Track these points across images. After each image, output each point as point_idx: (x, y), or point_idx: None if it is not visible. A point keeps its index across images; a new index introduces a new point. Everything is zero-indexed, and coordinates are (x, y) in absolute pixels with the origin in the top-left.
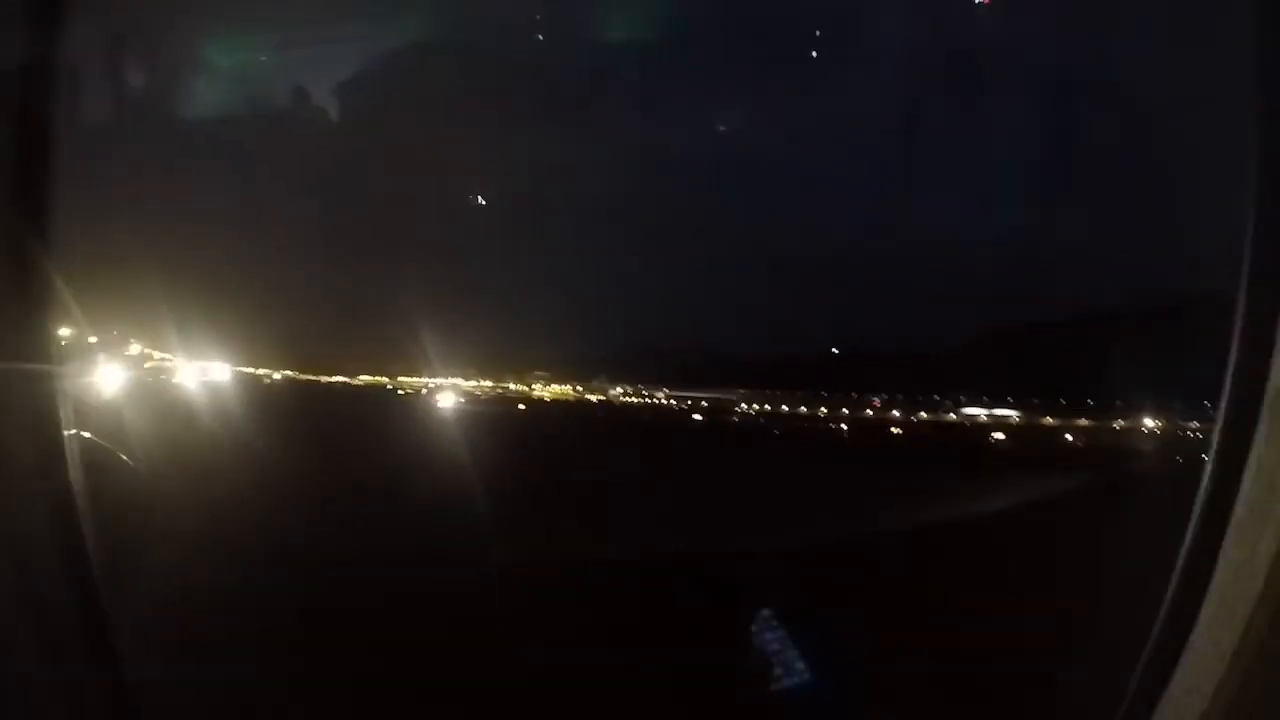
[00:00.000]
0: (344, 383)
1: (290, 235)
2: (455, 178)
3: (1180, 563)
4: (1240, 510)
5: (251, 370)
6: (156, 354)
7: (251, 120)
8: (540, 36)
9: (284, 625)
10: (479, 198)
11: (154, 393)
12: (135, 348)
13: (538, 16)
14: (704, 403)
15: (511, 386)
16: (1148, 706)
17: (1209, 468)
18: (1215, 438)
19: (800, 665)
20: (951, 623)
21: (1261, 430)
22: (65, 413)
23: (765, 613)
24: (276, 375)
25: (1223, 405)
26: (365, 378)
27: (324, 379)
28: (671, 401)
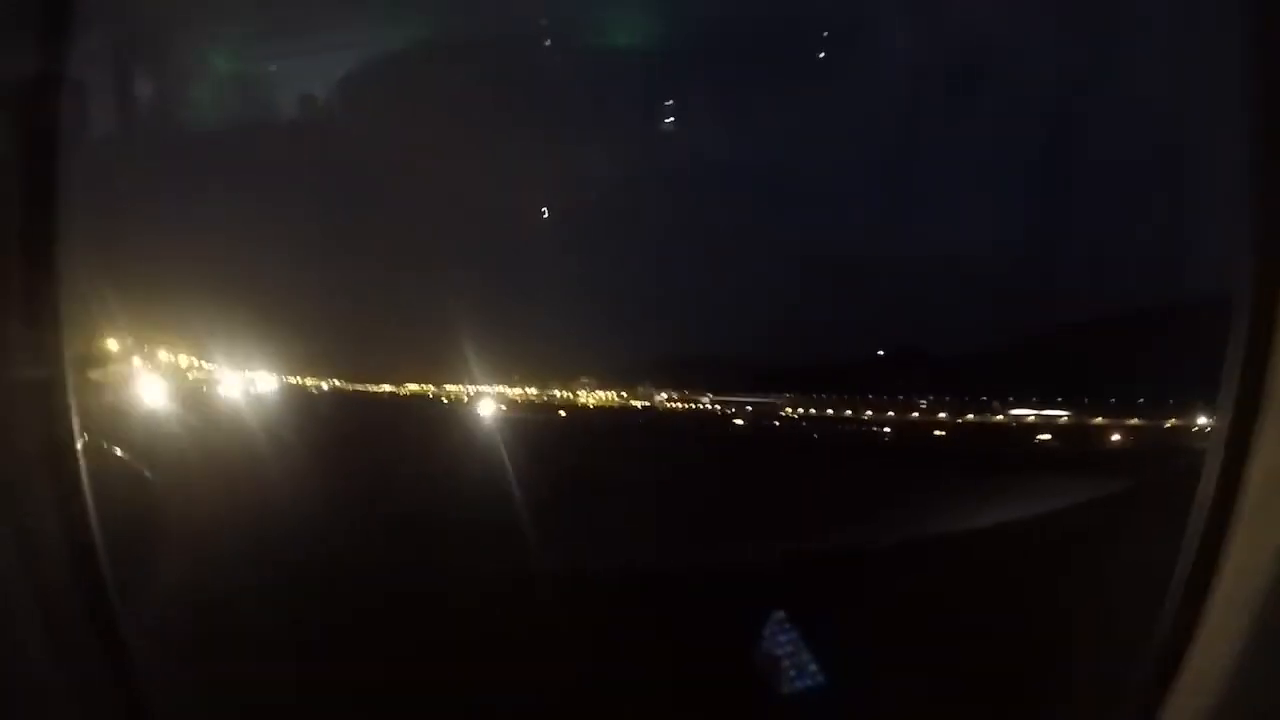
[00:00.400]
0: (389, 391)
1: (333, 244)
2: (496, 187)
3: (1185, 559)
4: (1244, 506)
5: (296, 380)
6: (200, 363)
7: (288, 127)
8: (548, 42)
9: (299, 632)
10: (543, 210)
11: (191, 402)
12: (181, 358)
13: (544, 21)
14: (749, 407)
15: (556, 393)
16: (1154, 703)
17: (1213, 464)
18: (1219, 433)
19: (813, 667)
20: (973, 624)
21: (1265, 426)
22: (78, 420)
23: (778, 614)
24: (324, 385)
25: (1227, 401)
26: (411, 386)
27: (370, 388)
28: (716, 407)
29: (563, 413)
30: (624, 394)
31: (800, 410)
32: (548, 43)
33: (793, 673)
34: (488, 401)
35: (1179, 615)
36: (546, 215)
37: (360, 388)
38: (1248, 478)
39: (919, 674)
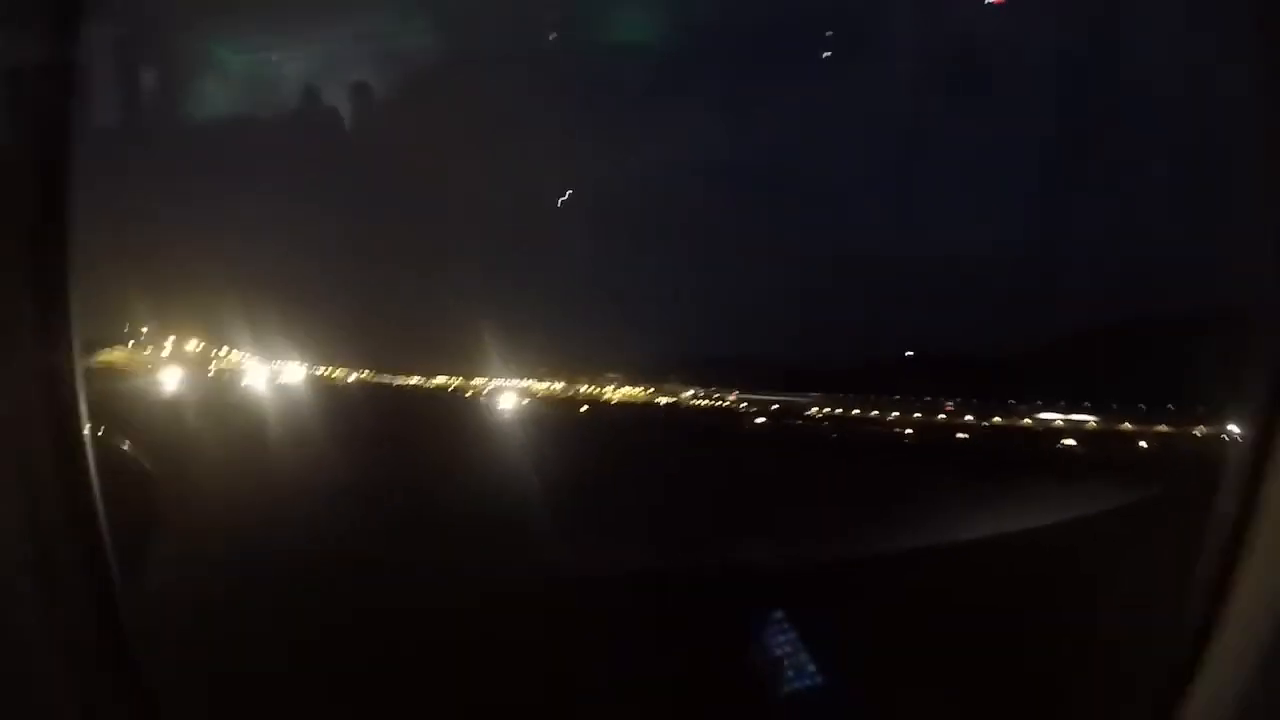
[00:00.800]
0: (405, 384)
1: (366, 239)
2: (520, 182)
3: (1202, 573)
4: (1262, 520)
5: (325, 372)
6: (229, 354)
7: (304, 121)
8: (553, 36)
9: (305, 630)
10: (558, 200)
11: (199, 394)
12: (189, 348)
13: (547, 16)
14: (774, 406)
15: (582, 389)
16: (1168, 715)
17: (1235, 475)
18: (1239, 448)
19: (812, 667)
20: (984, 630)
21: None
22: (87, 410)
23: (776, 614)
24: (350, 378)
25: (1247, 415)
26: (435, 380)
27: (396, 381)
28: (742, 405)
29: (585, 407)
30: (650, 390)
31: (826, 410)
32: (552, 36)
33: (791, 673)
34: (508, 396)
35: (1196, 628)
36: (567, 202)
37: (378, 380)
38: (1268, 491)
39: (924, 680)
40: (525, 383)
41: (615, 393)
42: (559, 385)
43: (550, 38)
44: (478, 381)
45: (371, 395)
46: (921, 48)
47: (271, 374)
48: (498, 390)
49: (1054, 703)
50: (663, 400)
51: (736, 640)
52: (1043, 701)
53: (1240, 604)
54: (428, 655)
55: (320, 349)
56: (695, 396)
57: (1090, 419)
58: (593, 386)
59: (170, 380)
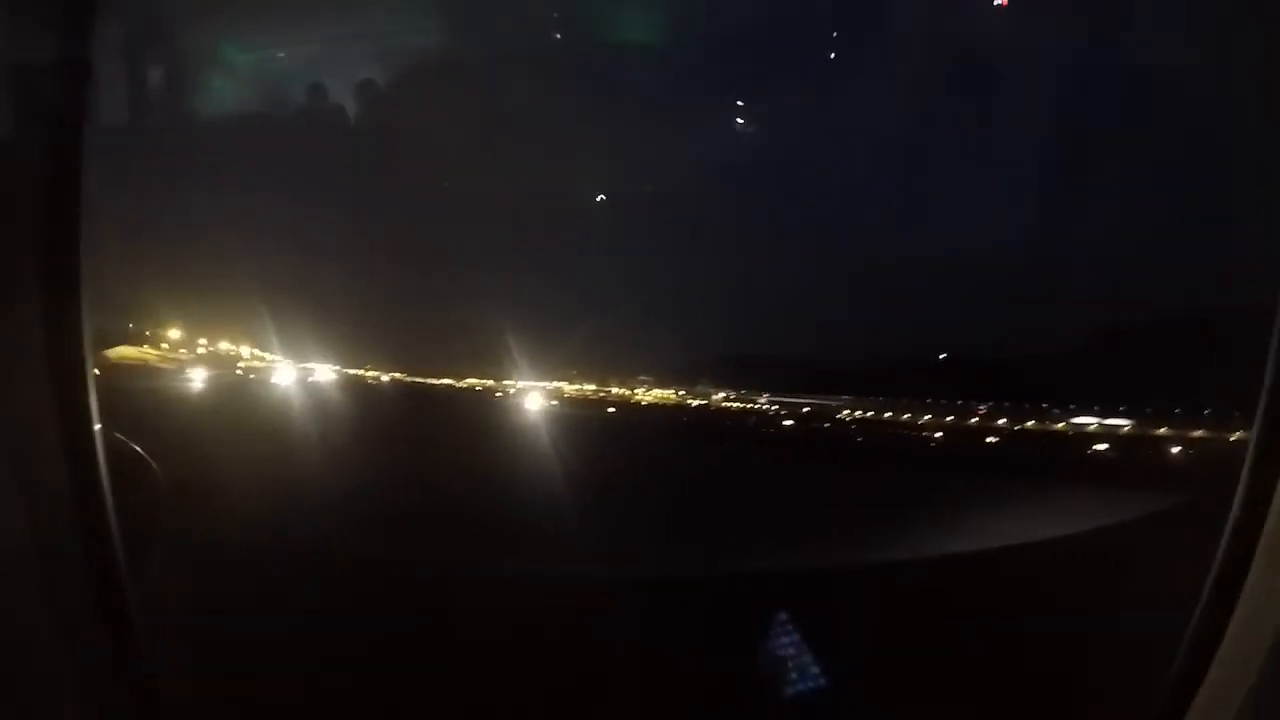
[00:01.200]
0: (442, 385)
1: (377, 238)
2: (544, 183)
3: (1211, 576)
4: (1272, 523)
5: (356, 372)
6: (259, 354)
7: (318, 117)
8: (558, 35)
9: (309, 628)
10: (597, 198)
11: (222, 392)
12: (241, 350)
13: (555, 15)
14: (805, 409)
15: (614, 390)
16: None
17: (1243, 480)
18: (1249, 451)
19: (815, 669)
20: (985, 633)
21: None
22: (96, 408)
23: (780, 616)
24: (384, 378)
25: (1258, 419)
26: (469, 380)
27: (429, 381)
28: (773, 408)
29: (612, 409)
30: (681, 392)
31: (856, 413)
32: (557, 36)
33: (794, 675)
34: (536, 397)
35: (1204, 630)
36: (596, 204)
37: (403, 380)
38: (1276, 494)
39: (927, 681)
40: (556, 384)
41: (646, 395)
42: (590, 387)
43: (556, 37)
44: (507, 382)
45: (394, 395)
46: (928, 50)
47: (283, 373)
48: (526, 391)
49: (1061, 705)
50: (693, 402)
51: (741, 641)
52: (1047, 704)
53: (1248, 607)
54: (432, 653)
55: (338, 348)
56: (726, 399)
57: (1124, 423)
58: (624, 389)
59: (179, 377)
